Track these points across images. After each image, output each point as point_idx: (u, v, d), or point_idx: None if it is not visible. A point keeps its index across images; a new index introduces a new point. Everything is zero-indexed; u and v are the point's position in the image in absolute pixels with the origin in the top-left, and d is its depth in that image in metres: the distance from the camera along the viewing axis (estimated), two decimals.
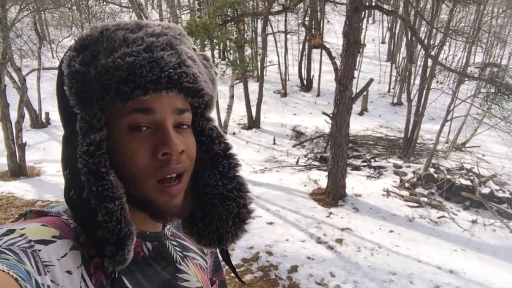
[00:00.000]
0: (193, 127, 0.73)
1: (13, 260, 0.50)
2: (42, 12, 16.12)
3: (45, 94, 14.27)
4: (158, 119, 0.64)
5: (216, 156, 0.76)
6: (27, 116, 12.69)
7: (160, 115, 0.64)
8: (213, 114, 0.80)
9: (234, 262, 0.97)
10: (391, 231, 7.95)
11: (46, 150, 12.06)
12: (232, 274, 0.85)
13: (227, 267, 0.85)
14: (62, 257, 0.58)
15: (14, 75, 11.29)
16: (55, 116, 14.23)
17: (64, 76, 0.64)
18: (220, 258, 0.86)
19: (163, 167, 0.64)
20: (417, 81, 13.95)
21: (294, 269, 6.58)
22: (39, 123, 13.84)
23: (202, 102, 0.70)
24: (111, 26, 0.66)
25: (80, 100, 0.63)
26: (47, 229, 0.60)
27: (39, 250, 0.55)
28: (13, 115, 10.26)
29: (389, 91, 18.39)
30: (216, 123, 0.79)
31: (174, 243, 0.80)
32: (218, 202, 0.75)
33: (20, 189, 9.24)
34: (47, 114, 14.09)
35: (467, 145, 12.87)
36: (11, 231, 0.56)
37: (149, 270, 0.71)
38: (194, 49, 0.73)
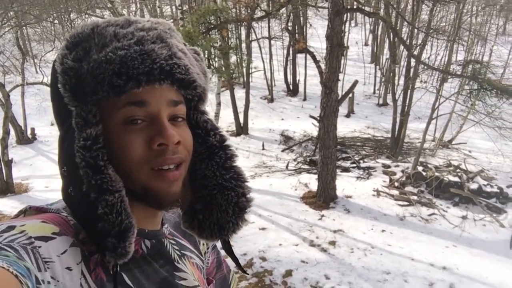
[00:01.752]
0: (188, 121, 0.74)
1: (13, 257, 0.50)
2: (24, 27, 16.00)
3: (30, 109, 14.12)
4: (153, 112, 0.65)
5: (212, 147, 0.76)
6: (12, 132, 12.53)
7: (155, 108, 0.65)
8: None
9: None
10: (383, 230, 8.00)
11: (33, 166, 11.92)
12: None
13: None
14: (62, 253, 0.58)
15: None
16: (41, 132, 14.09)
17: (58, 73, 0.64)
18: (223, 252, 0.87)
19: (158, 157, 0.65)
20: (402, 81, 14.09)
21: (288, 273, 6.57)
22: (25, 139, 13.68)
23: (195, 94, 0.71)
24: (102, 23, 0.67)
25: (74, 96, 0.63)
26: (47, 226, 0.60)
27: (39, 247, 0.56)
28: None
29: (374, 92, 18.54)
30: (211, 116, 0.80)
31: (172, 241, 0.80)
32: (217, 193, 0.76)
33: (8, 206, 9.11)
34: (32, 129, 13.93)
35: (453, 142, 13.02)
36: (11, 227, 0.57)
37: (147, 268, 0.71)
38: (185, 44, 0.74)
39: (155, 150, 0.64)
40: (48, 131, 14.12)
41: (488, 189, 9.28)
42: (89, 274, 0.61)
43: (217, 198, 0.75)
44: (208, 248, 0.94)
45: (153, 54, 0.63)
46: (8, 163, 10.08)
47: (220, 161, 0.76)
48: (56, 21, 17.29)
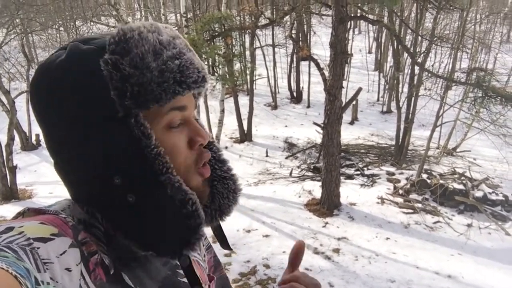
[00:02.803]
0: None
1: (12, 258, 0.50)
2: (29, 35, 16.12)
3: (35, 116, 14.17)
4: (188, 115, 0.71)
5: (208, 143, 0.79)
6: (17, 138, 12.59)
7: (190, 111, 0.71)
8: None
9: (231, 277, 0.97)
10: (387, 238, 7.96)
11: (38, 172, 11.95)
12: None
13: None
14: (61, 254, 0.58)
15: (3, 98, 11.24)
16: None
17: (113, 80, 0.63)
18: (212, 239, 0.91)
19: (200, 156, 0.71)
20: (405, 89, 14.10)
21: None
22: (30, 145, 13.74)
23: (197, 97, 0.78)
24: (137, 28, 0.66)
25: (137, 103, 0.64)
26: (46, 227, 0.60)
27: (38, 248, 0.55)
28: (3, 138, 10.18)
29: (378, 99, 18.53)
30: (202, 116, 0.85)
31: None
32: (217, 183, 0.80)
33: (12, 212, 9.10)
34: (37, 136, 13.99)
35: (458, 149, 12.97)
36: (10, 228, 0.56)
37: (149, 266, 0.71)
38: None
39: (196, 150, 0.70)
40: None
41: (493, 197, 9.23)
42: (88, 275, 0.61)
43: (219, 188, 0.80)
44: (203, 246, 0.94)
45: (195, 63, 0.69)
46: (13, 169, 10.12)
47: (215, 155, 0.81)
48: (61, 29, 17.41)
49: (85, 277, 0.60)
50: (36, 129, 13.94)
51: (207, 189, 0.76)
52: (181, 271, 0.77)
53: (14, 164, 10.30)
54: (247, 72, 14.89)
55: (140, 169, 0.64)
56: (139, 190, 0.64)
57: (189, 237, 0.67)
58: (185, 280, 0.76)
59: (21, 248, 0.53)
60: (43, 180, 11.15)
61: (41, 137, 12.79)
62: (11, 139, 10.24)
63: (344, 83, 9.21)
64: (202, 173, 0.72)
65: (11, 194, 10.08)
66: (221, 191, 0.80)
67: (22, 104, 13.70)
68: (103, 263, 0.63)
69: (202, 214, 0.68)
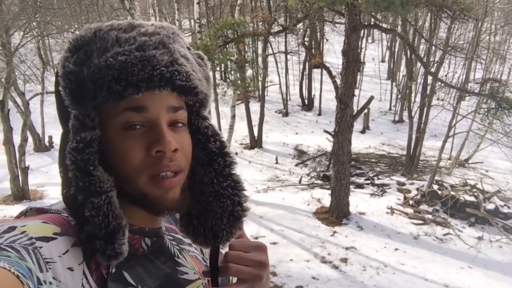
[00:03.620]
0: (189, 126, 0.74)
1: (15, 257, 0.50)
2: (45, 38, 16.36)
3: (48, 118, 14.36)
4: (152, 117, 0.65)
5: (212, 154, 0.76)
6: (30, 140, 12.74)
7: (154, 113, 0.65)
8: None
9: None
10: (396, 249, 7.87)
11: (49, 174, 12.07)
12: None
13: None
14: (63, 254, 0.58)
15: (18, 99, 11.40)
16: (58, 140, 14.25)
17: (59, 76, 0.65)
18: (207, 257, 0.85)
19: (156, 164, 0.64)
20: (418, 99, 14.00)
21: None
22: (42, 146, 13.89)
23: (196, 100, 0.71)
24: (105, 27, 0.67)
25: (74, 99, 0.64)
26: (48, 226, 0.61)
27: (41, 247, 0.56)
28: (16, 139, 10.30)
29: (390, 108, 18.43)
30: (213, 122, 0.80)
31: (170, 237, 0.81)
32: (213, 200, 0.75)
33: None
34: (50, 137, 14.14)
35: (470, 161, 12.83)
36: (12, 228, 0.57)
37: (149, 265, 0.71)
38: (189, 48, 0.74)
39: (153, 157, 0.64)
40: None
41: (505, 210, 9.09)
42: (90, 274, 0.61)
43: (213, 205, 0.75)
44: None
45: (153, 61, 0.63)
46: (25, 170, 10.23)
47: (218, 168, 0.75)
48: (77, 32, 17.63)
49: (87, 276, 0.61)
50: (50, 131, 14.12)
51: (185, 201, 0.71)
52: (180, 268, 0.76)
53: (27, 165, 10.42)
54: (259, 78, 14.94)
55: (62, 163, 0.65)
56: (67, 184, 0.65)
57: (94, 243, 0.61)
58: (185, 277, 0.76)
59: (24, 247, 0.54)
60: (55, 181, 11.24)
61: (54, 139, 12.94)
62: (24, 140, 10.37)
63: (356, 92, 9.19)
64: (158, 183, 0.65)
65: (22, 194, 10.19)
66: (215, 209, 0.75)
67: (36, 106, 13.89)
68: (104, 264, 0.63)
69: (109, 221, 0.61)
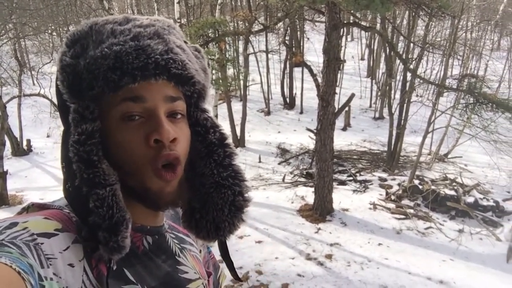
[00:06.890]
0: (188, 118, 0.74)
1: (16, 253, 0.51)
2: (22, 39, 16.05)
3: (26, 121, 14.10)
4: (150, 107, 0.65)
5: (211, 145, 0.76)
6: (8, 144, 12.47)
7: (152, 103, 0.65)
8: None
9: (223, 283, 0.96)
10: (379, 244, 7.96)
11: (28, 178, 11.85)
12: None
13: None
14: (64, 250, 0.59)
15: None
16: (37, 144, 14.05)
17: (57, 71, 0.66)
18: (218, 256, 0.86)
19: (156, 155, 0.65)
20: (398, 95, 14.17)
21: (285, 287, 6.52)
22: (21, 150, 13.62)
23: (194, 91, 0.71)
24: (100, 21, 0.68)
25: (72, 92, 0.64)
26: (50, 222, 0.61)
27: (42, 243, 0.56)
28: None
29: (370, 106, 18.63)
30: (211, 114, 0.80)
31: (172, 235, 0.81)
32: (213, 191, 0.75)
33: (2, 218, 9.02)
34: (28, 141, 13.88)
35: (449, 155, 13.05)
36: (14, 224, 0.57)
37: (150, 264, 0.71)
38: (186, 42, 0.74)
39: (152, 148, 0.64)
40: (43, 143, 14.08)
41: (485, 202, 9.28)
42: (91, 271, 0.61)
43: (214, 197, 0.75)
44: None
45: (148, 49, 0.63)
46: (3, 175, 10.02)
47: (218, 159, 0.75)
48: (54, 34, 17.36)
49: (88, 272, 0.61)
50: (28, 134, 13.88)
51: (182, 194, 0.71)
52: (180, 267, 0.77)
53: (5, 170, 10.20)
54: (241, 77, 14.93)
55: (65, 158, 0.65)
56: (70, 178, 0.65)
57: (98, 235, 0.61)
58: (185, 276, 0.76)
59: (25, 243, 0.54)
60: (34, 185, 11.06)
61: (32, 143, 12.69)
62: (1, 144, 10.14)
63: (337, 90, 9.25)
64: (160, 175, 0.65)
65: (1, 199, 9.98)
66: (216, 201, 0.75)
67: (13, 109, 13.60)
68: (105, 259, 0.63)
69: (113, 213, 0.62)
